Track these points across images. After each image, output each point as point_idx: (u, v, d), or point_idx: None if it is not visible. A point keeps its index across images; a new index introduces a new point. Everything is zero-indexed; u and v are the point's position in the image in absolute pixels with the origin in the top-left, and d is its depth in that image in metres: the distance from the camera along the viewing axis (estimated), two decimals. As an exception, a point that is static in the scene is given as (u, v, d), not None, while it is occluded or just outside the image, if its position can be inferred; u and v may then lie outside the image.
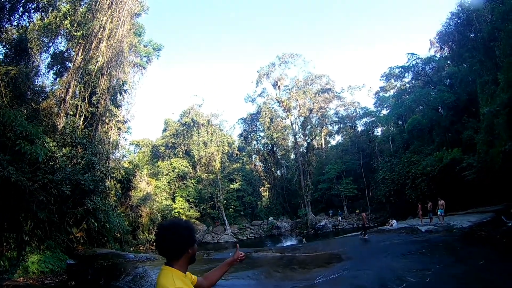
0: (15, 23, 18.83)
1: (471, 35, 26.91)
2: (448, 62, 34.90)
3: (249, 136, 57.99)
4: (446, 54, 36.49)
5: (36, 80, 20.96)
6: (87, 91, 20.94)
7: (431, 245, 14.61)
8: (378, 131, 51.23)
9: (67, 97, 19.99)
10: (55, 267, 14.06)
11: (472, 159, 23.87)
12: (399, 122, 40.71)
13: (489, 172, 21.07)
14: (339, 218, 44.35)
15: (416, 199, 27.64)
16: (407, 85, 44.47)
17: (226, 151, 51.27)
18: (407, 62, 37.16)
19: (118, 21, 22.59)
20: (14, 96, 17.48)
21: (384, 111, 47.74)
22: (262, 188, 58.07)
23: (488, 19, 22.97)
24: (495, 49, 21.08)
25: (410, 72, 37.58)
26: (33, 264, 13.53)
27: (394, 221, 25.31)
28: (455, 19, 29.23)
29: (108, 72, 22.11)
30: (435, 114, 32.67)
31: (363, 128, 51.12)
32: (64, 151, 17.64)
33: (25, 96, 18.33)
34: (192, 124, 49.45)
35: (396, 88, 48.57)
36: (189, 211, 41.81)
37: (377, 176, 39.22)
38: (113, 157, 27.22)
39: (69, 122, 20.12)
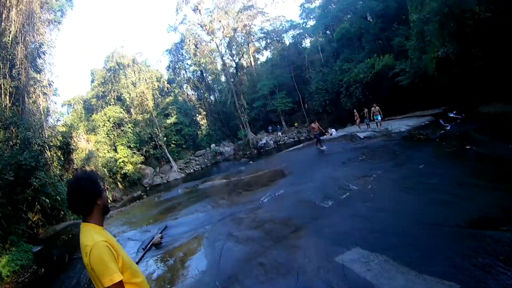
0: None
1: None
2: (373, -30, 33.96)
3: (177, 66, 55.44)
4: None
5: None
6: (6, 66, 18.28)
7: (371, 151, 14.75)
8: (307, 43, 50.68)
9: (-12, 79, 17.16)
10: (23, 261, 13.12)
11: (404, 65, 24.47)
12: (327, 32, 40.47)
13: (423, 78, 21.98)
14: (279, 133, 45.69)
15: (353, 107, 28.20)
16: (333, -5, 43.30)
17: (156, 86, 48.81)
18: (331, -29, 35.84)
19: (24, -18, 18.94)
20: None
21: (311, 23, 46.79)
22: (199, 116, 56.91)
23: None
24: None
25: (334, -18, 36.67)
26: (4, 267, 12.43)
27: (333, 130, 26.15)
28: None
29: (23, 39, 19.22)
30: (363, 22, 32.79)
31: (291, 41, 50.31)
32: (-2, 137, 15.69)
33: None
34: (117, 67, 46.06)
35: (321, -1, 47.24)
36: (133, 157, 40.33)
37: (310, 87, 39.81)
38: (47, 125, 24.74)
39: (-5, 105, 17.63)
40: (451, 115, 18.73)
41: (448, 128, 15.90)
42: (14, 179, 14.05)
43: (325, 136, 23.94)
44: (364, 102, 26.81)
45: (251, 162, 30.88)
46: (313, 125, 20.16)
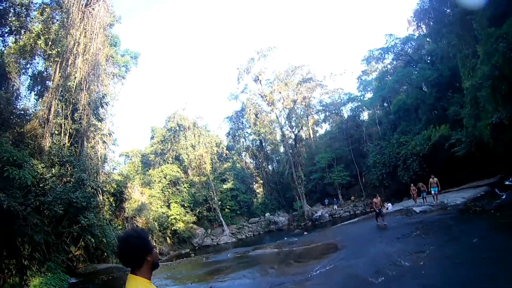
0: (-10, 49, 18.64)
1: (447, 10, 26.54)
2: (427, 39, 34.50)
3: (237, 134, 57.70)
4: (424, 32, 36.02)
5: (18, 104, 20.66)
6: (69, 109, 20.74)
7: (425, 226, 14.66)
8: (365, 115, 51.19)
9: (50, 116, 19.59)
10: (57, 287, 13.89)
11: (460, 134, 23.92)
12: (385, 104, 40.86)
13: (479, 146, 21.16)
14: (335, 206, 44.42)
15: (410, 180, 27.57)
16: (389, 66, 44.13)
17: (215, 151, 51.23)
18: (386, 43, 37.41)
19: (91, 34, 22.27)
20: (-2, 123, 17.26)
21: (368, 95, 47.52)
22: (256, 184, 57.55)
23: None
24: (472, 22, 21.02)
25: (390, 53, 37.82)
26: (35, 287, 13.27)
27: (389, 204, 25.76)
28: (429, -4, 29.12)
29: (87, 86, 21.91)
30: (419, 93, 32.86)
31: (349, 114, 51.13)
32: (53, 171, 17.44)
33: (8, 121, 18.01)
34: (178, 128, 49.41)
35: (377, 70, 47.96)
36: (185, 216, 41.28)
37: (368, 160, 39.26)
38: (103, 171, 26.85)
39: (54, 141, 19.80)
40: (507, 182, 18.06)
41: (504, 197, 15.58)
42: (63, 213, 15.28)
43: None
44: (421, 175, 26.18)
45: (305, 233, 30.38)
46: (375, 200, 19.71)
